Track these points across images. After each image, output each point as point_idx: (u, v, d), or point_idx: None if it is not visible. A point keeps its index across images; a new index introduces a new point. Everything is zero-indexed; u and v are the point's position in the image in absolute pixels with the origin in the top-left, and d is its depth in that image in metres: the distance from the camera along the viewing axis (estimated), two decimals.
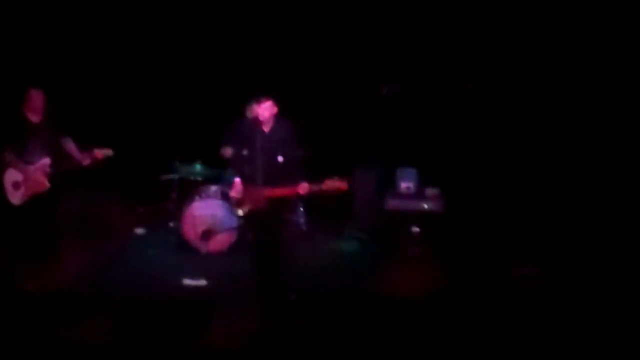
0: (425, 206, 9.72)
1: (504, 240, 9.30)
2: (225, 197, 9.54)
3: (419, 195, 9.82)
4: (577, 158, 9.76)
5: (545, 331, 6.31)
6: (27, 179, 8.44)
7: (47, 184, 8.51)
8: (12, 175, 8.48)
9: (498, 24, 10.20)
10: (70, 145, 8.67)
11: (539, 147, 10.01)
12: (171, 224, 10.22)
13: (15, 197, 8.49)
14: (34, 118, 8.52)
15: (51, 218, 8.72)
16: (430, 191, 9.84)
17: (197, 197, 9.76)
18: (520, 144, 10.08)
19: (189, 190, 10.06)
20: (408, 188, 9.86)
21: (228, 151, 9.54)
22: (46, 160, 8.51)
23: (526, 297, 7.13)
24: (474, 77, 10.16)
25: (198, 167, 10.28)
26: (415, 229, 9.58)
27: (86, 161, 8.59)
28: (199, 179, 10.30)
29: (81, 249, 9.48)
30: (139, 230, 10.57)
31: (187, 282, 8.67)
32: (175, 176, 10.39)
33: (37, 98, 8.50)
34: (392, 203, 9.80)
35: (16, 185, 8.47)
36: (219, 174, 10.14)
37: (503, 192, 9.69)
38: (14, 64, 10.51)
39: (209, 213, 9.64)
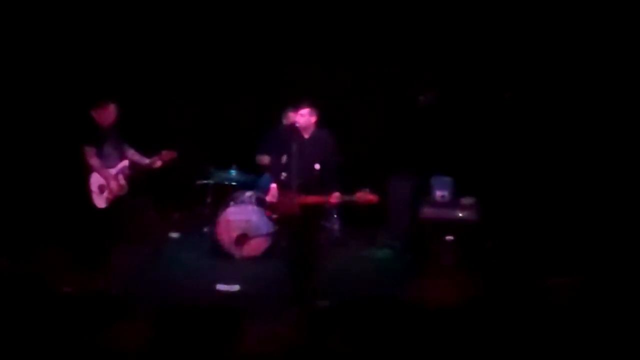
0: (460, 215, 9.67)
1: (539, 250, 9.23)
2: (260, 202, 9.58)
3: (453, 204, 9.78)
4: (615, 168, 9.67)
5: (579, 343, 6.25)
6: (110, 182, 8.54)
7: (127, 187, 8.64)
8: (97, 179, 8.57)
9: (534, 34, 10.15)
10: (132, 152, 8.79)
11: (576, 157, 9.93)
12: (205, 229, 10.28)
13: (101, 201, 8.60)
14: (105, 124, 8.61)
15: (130, 220, 8.88)
16: (465, 200, 9.79)
17: (231, 203, 9.81)
18: (557, 154, 10.01)
19: (224, 196, 10.13)
20: (443, 197, 9.81)
21: (265, 159, 9.59)
22: (125, 163, 8.66)
23: (559, 308, 7.06)
24: (512, 87, 10.12)
25: (233, 172, 10.34)
26: (450, 238, 9.54)
27: (157, 164, 8.74)
28: (234, 184, 10.35)
29: (116, 252, 9.55)
30: (174, 235, 10.65)
31: (221, 287, 8.70)
32: (210, 181, 10.46)
33: (112, 111, 8.58)
34: (426, 212, 9.76)
35: (102, 189, 8.57)
36: (253, 179, 10.19)
37: (538, 201, 9.63)
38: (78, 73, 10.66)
39: (244, 218, 9.69)
